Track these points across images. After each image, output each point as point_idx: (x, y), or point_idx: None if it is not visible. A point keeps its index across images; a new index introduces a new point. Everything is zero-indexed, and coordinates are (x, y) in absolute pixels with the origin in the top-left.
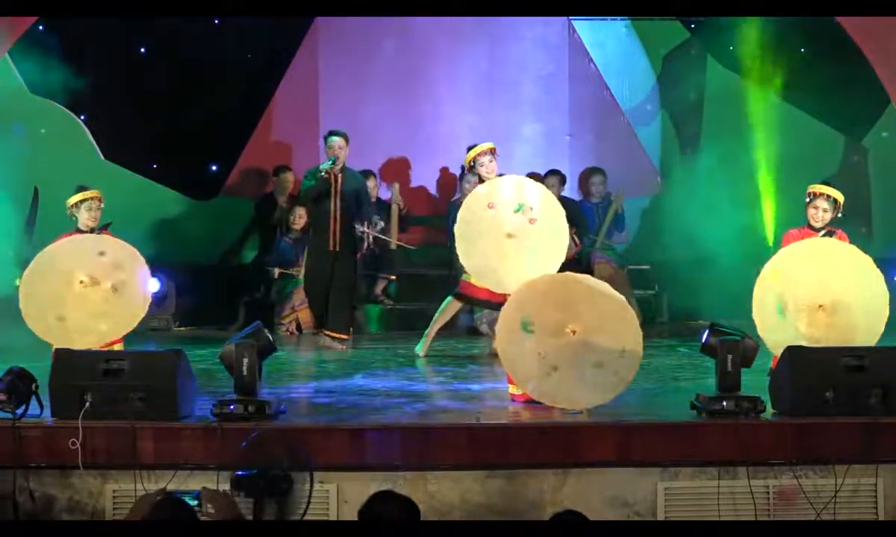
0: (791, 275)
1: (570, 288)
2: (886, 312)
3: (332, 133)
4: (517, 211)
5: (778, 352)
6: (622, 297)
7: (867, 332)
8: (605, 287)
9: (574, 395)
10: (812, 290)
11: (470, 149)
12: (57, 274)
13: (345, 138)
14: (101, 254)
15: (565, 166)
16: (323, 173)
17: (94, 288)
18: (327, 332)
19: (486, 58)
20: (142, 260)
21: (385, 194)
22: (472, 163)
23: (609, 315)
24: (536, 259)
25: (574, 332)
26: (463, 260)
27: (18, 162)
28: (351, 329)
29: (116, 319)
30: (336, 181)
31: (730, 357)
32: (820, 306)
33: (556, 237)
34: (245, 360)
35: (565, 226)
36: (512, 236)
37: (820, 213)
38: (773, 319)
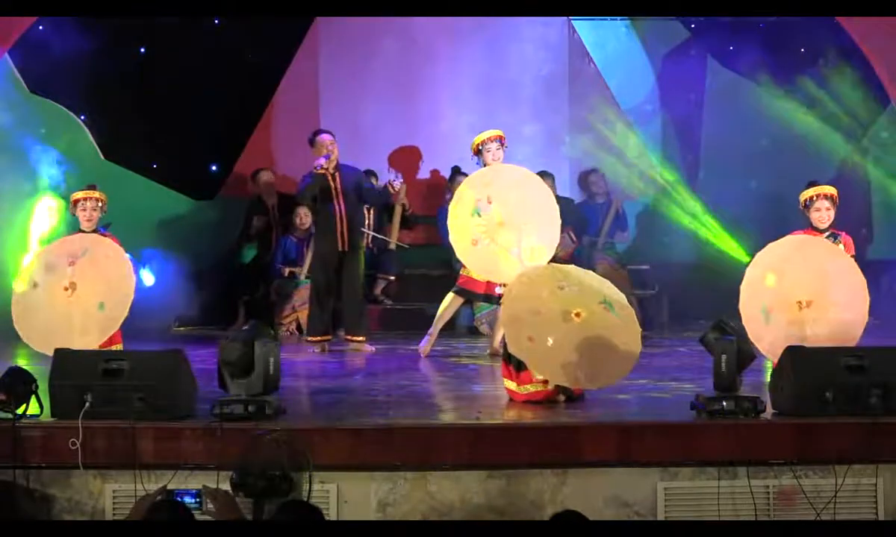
0: (772, 272)
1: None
2: (866, 310)
3: (317, 132)
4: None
5: (763, 350)
6: (630, 307)
7: (847, 334)
8: (616, 290)
9: (552, 369)
10: (791, 287)
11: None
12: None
13: (332, 135)
14: (72, 260)
15: (565, 166)
16: (318, 169)
17: (76, 293)
18: (349, 337)
19: (486, 58)
20: (126, 258)
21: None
22: (478, 149)
23: (611, 316)
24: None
25: (578, 316)
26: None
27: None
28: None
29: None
30: (335, 181)
31: (724, 357)
32: (798, 302)
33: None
34: (272, 359)
35: (548, 208)
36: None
37: (824, 214)
38: (758, 318)
